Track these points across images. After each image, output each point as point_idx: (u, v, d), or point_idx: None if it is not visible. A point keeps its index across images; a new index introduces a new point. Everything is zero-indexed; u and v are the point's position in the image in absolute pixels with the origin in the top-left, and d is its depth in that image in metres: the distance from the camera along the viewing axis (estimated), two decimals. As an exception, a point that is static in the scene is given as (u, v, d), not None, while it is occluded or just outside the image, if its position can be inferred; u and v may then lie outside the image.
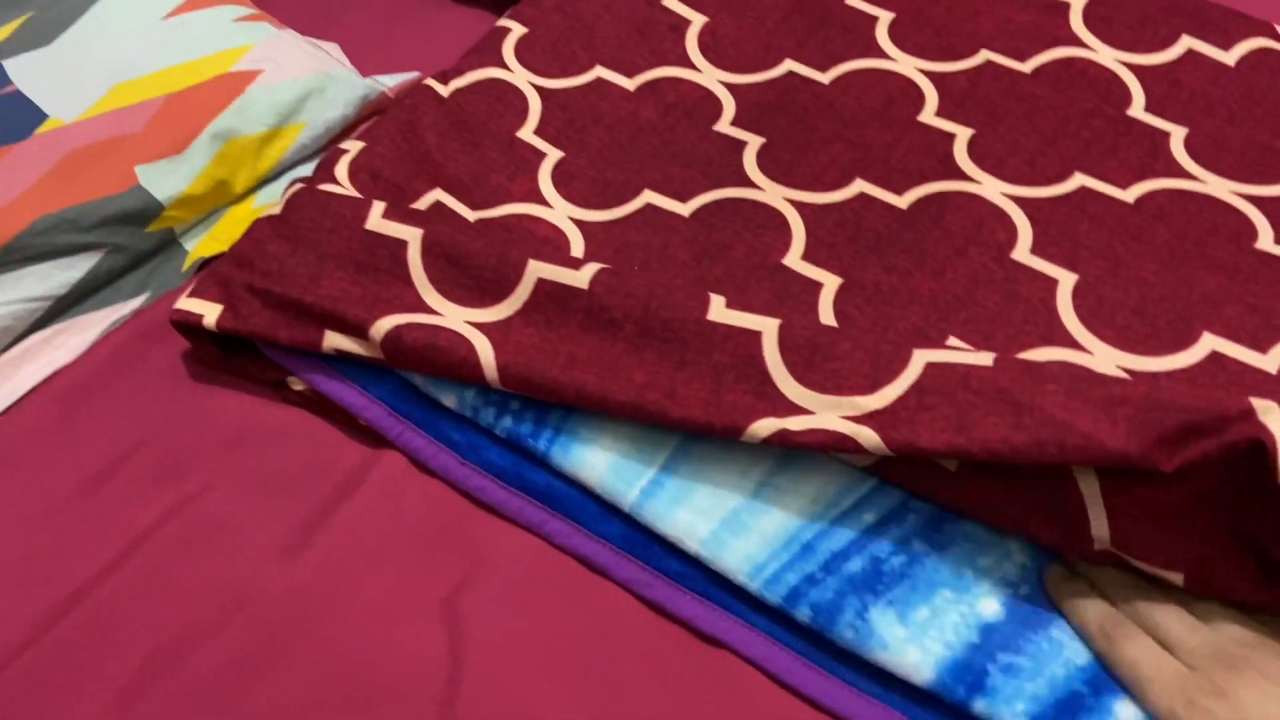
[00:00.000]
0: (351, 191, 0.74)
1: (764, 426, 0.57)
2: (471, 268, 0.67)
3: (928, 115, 0.81)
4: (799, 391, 0.58)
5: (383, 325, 0.65)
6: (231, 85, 0.84)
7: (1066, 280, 0.68)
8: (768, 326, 0.60)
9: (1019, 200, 0.74)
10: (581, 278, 0.64)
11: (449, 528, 0.65)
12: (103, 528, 0.64)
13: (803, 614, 0.56)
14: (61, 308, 0.75)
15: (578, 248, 0.74)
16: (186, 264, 0.80)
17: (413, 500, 0.66)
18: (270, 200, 0.84)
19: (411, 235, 0.68)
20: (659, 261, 0.72)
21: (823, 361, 0.58)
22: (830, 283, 0.70)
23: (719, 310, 0.61)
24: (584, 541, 0.63)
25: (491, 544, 0.64)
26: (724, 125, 0.82)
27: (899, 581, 0.56)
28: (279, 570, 0.62)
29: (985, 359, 0.56)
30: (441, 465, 0.66)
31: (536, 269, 0.65)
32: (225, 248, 0.80)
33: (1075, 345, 0.64)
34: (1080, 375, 0.54)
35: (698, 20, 0.90)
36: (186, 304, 0.70)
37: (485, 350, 0.63)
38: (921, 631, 0.54)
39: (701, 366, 0.60)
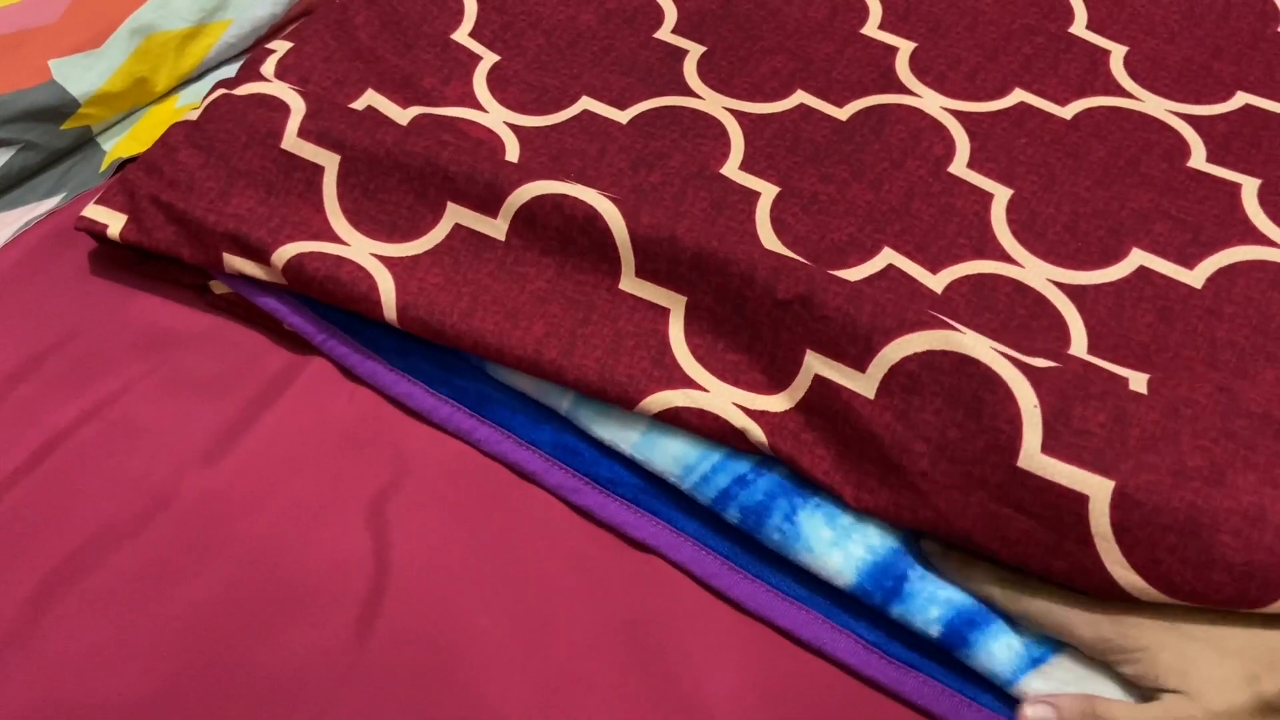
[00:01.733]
0: (280, 88, 0.71)
1: (656, 401, 0.58)
2: (388, 203, 0.65)
3: (870, 28, 0.80)
4: (697, 369, 0.59)
5: (285, 252, 0.63)
6: (152, -24, 0.80)
7: (1001, 194, 0.68)
8: (677, 305, 0.60)
9: (958, 114, 0.73)
10: (499, 227, 0.63)
11: (375, 434, 0.64)
12: (16, 430, 0.62)
13: (732, 515, 0.57)
14: (-30, 205, 0.72)
15: (513, 152, 0.72)
16: (104, 164, 0.77)
17: (338, 406, 0.65)
18: (193, 100, 0.81)
19: (329, 161, 0.66)
20: (595, 169, 0.71)
21: (723, 352, 0.59)
22: (767, 192, 0.69)
23: (630, 279, 0.61)
24: (513, 448, 0.62)
25: (419, 450, 0.63)
26: (664, 33, 0.80)
27: None
28: (199, 473, 0.61)
29: (867, 387, 0.55)
30: (369, 371, 0.65)
31: (455, 213, 0.64)
32: (144, 148, 0.77)
33: (1007, 258, 0.65)
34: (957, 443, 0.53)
35: (641, -75, 0.87)
36: (92, 212, 0.68)
37: (387, 289, 0.62)
38: (846, 535, 0.55)
39: (603, 327, 0.60)
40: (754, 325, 0.58)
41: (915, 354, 0.54)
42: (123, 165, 0.77)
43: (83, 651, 0.55)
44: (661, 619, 0.57)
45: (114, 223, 0.67)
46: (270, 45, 0.78)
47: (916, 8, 0.81)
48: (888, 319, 0.55)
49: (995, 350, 0.53)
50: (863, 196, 0.68)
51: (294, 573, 0.57)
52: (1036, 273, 0.64)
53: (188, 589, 0.57)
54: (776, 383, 0.58)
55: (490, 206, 0.63)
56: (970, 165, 0.70)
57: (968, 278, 0.64)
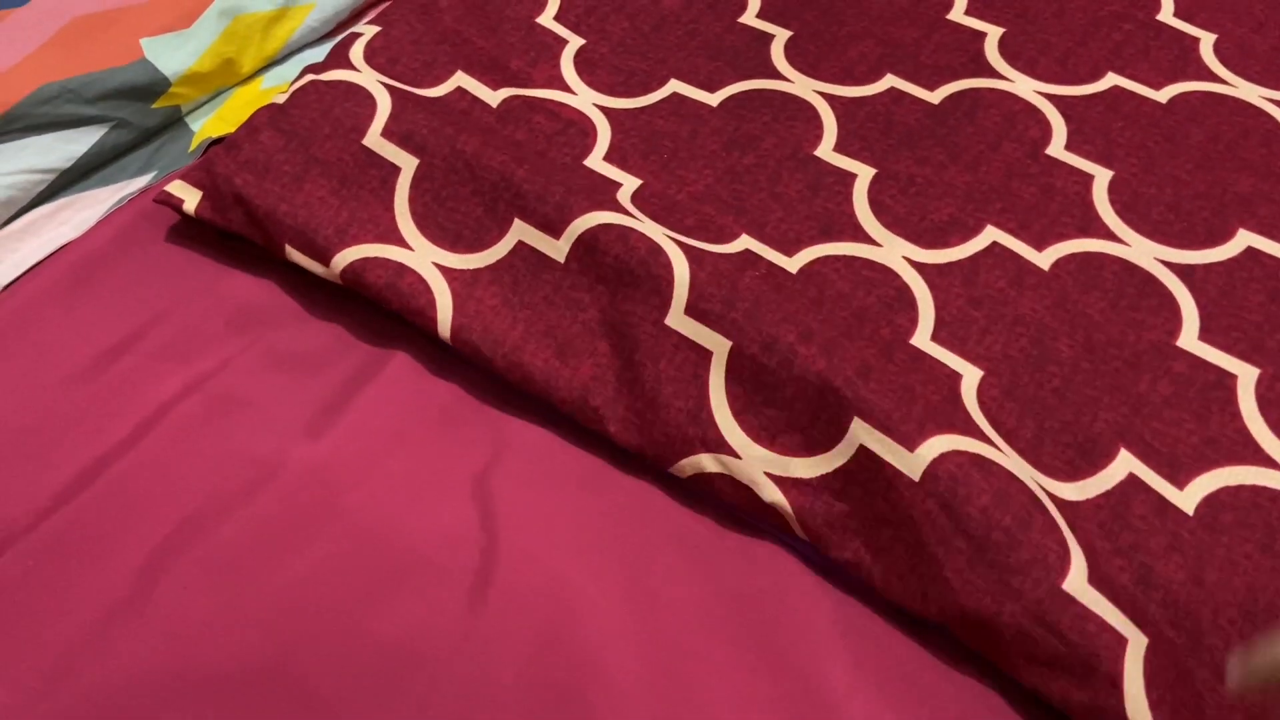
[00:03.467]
0: (368, 76, 0.72)
1: (688, 465, 0.57)
2: (458, 211, 0.65)
3: (957, 14, 0.80)
4: (734, 430, 0.56)
5: (346, 256, 0.63)
6: (238, -40, 0.80)
7: (1102, 176, 0.68)
8: (719, 348, 0.57)
9: (1052, 98, 0.73)
10: (561, 249, 0.62)
11: (474, 412, 0.63)
12: (119, 402, 0.62)
13: None
14: (65, 182, 0.73)
15: (604, 135, 0.72)
16: (193, 144, 0.77)
17: (434, 385, 0.64)
18: (280, 83, 0.82)
19: (407, 163, 0.67)
20: (688, 150, 0.71)
21: (763, 405, 0.56)
22: (864, 174, 0.69)
23: (677, 316, 0.58)
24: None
25: (517, 430, 0.63)
26: (749, 18, 0.80)
27: None
28: (303, 447, 0.61)
29: (914, 468, 0.52)
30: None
31: (519, 230, 0.63)
32: (231, 129, 0.78)
33: (1112, 237, 0.64)
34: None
35: (721, -87, 0.87)
36: (173, 187, 0.69)
37: (444, 305, 0.62)
38: None
39: (645, 369, 0.58)
40: (800, 381, 0.56)
41: (967, 452, 0.52)
42: (210, 145, 0.77)
43: (194, 621, 0.54)
44: (771, 594, 0.57)
45: (190, 199, 0.68)
46: (358, 29, 0.78)
47: (1003, -5, 0.81)
48: (939, 416, 0.54)
49: (1038, 484, 0.53)
50: (960, 178, 0.68)
51: (402, 545, 0.57)
52: (1143, 251, 0.63)
53: (297, 560, 0.57)
54: (814, 444, 0.55)
55: (556, 227, 0.63)
56: (1068, 148, 0.69)
57: (1074, 255, 0.63)
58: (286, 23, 0.82)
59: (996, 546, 0.49)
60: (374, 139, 0.68)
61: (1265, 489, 0.53)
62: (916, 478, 0.51)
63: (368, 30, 0.77)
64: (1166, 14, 0.79)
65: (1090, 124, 0.71)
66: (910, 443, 0.52)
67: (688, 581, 0.57)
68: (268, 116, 0.70)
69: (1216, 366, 0.58)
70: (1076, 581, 0.48)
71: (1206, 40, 0.77)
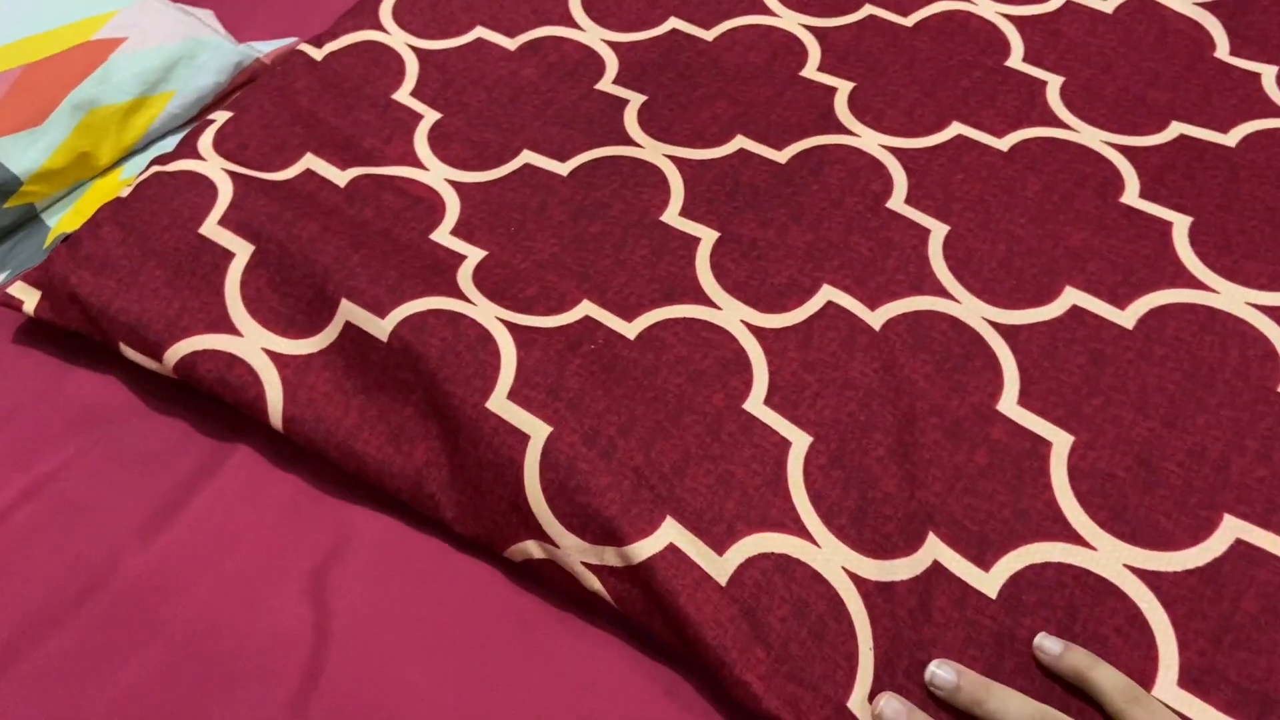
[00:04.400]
0: (214, 165, 0.72)
1: (518, 551, 0.57)
2: (290, 296, 0.65)
3: (810, 70, 0.80)
4: (548, 518, 0.55)
5: (177, 350, 0.63)
6: (93, 53, 0.80)
7: (939, 230, 0.68)
8: (537, 433, 0.57)
9: (895, 151, 0.73)
10: (384, 327, 0.62)
11: (315, 500, 0.63)
12: (-47, 513, 0.62)
13: None
14: (-89, 287, 0.72)
15: (453, 209, 0.72)
16: (48, 240, 0.77)
17: (277, 477, 0.64)
18: (137, 171, 0.81)
19: (242, 249, 0.67)
20: (535, 222, 0.71)
21: (575, 493, 0.55)
22: (708, 238, 0.69)
23: (499, 400, 0.58)
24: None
25: (361, 516, 0.62)
26: (605, 84, 0.81)
27: None
28: (138, 549, 0.60)
29: (722, 571, 0.52)
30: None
31: (347, 311, 0.63)
32: (88, 222, 0.78)
33: (944, 294, 0.64)
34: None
35: (581, -21, 0.88)
36: (14, 288, 0.69)
37: (275, 396, 0.61)
38: None
39: (471, 456, 0.57)
40: (617, 474, 0.55)
41: (774, 554, 0.53)
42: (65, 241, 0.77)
43: (16, 740, 0.53)
44: (605, 678, 0.56)
45: (30, 299, 0.68)
46: (211, 115, 0.78)
47: (855, 48, 0.81)
48: (752, 512, 0.54)
49: (846, 571, 0.53)
50: (802, 238, 0.68)
51: (232, 649, 0.56)
52: (972, 310, 0.63)
53: (124, 671, 0.56)
54: (626, 535, 0.53)
55: (384, 307, 0.62)
56: (908, 201, 0.70)
57: (905, 315, 0.63)
58: (145, 112, 0.82)
59: (793, 659, 0.50)
60: (210, 227, 0.68)
61: (1069, 566, 0.53)
62: (723, 583, 0.51)
63: (220, 116, 0.78)
64: (1016, 59, 0.79)
65: (931, 176, 0.71)
66: (720, 546, 0.52)
67: (526, 671, 0.56)
68: (110, 211, 0.70)
69: (1032, 433, 0.58)
70: (858, 700, 0.49)
71: (1054, 84, 0.77)
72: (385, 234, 0.69)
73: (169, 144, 0.84)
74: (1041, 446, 0.57)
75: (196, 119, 0.86)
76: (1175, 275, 0.65)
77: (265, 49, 0.90)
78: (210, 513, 0.62)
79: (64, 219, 0.78)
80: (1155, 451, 0.57)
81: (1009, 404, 0.59)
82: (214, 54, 0.85)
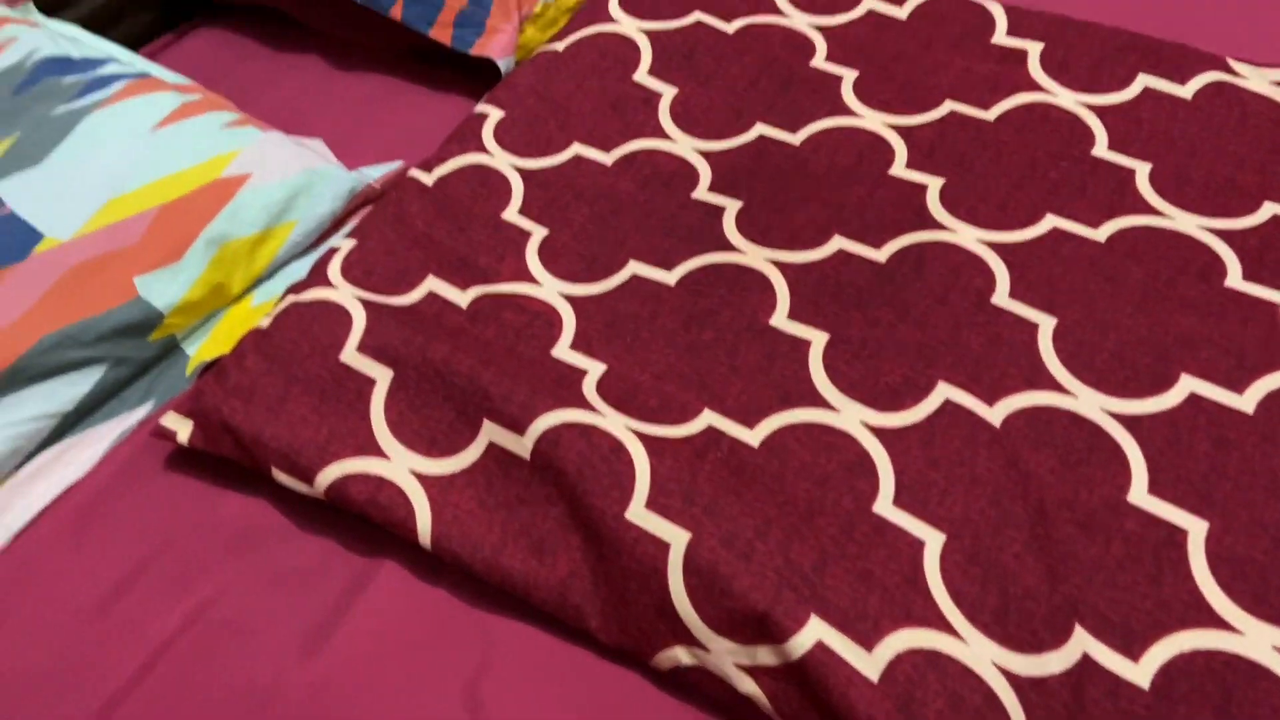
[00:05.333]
0: (345, 292, 0.77)
1: (666, 658, 0.59)
2: (431, 418, 0.69)
3: (898, 169, 0.83)
4: (696, 623, 0.57)
5: (328, 474, 0.67)
6: (222, 191, 0.86)
7: (1046, 324, 0.70)
8: (677, 540, 0.59)
9: (994, 245, 0.76)
10: (525, 444, 0.65)
11: (463, 613, 0.66)
12: (125, 639, 0.65)
13: None
14: (69, 423, 0.77)
15: (569, 323, 0.76)
16: (189, 368, 0.82)
17: (424, 589, 0.67)
18: (269, 299, 0.87)
19: (382, 375, 0.71)
20: (649, 331, 0.74)
21: (721, 596, 0.57)
22: (817, 340, 0.71)
23: (638, 509, 0.61)
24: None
25: (507, 626, 0.65)
26: (701, 192, 0.85)
27: None
28: (299, 668, 0.63)
29: (873, 668, 0.53)
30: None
31: (489, 431, 0.67)
32: (226, 349, 0.82)
33: (1059, 388, 0.66)
34: None
35: (668, 92, 0.93)
36: (167, 420, 0.73)
37: (423, 516, 0.65)
38: None
39: (613, 565, 0.60)
40: (758, 575, 0.57)
41: (923, 649, 0.54)
42: (205, 369, 0.82)
43: None
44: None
45: (183, 430, 0.72)
46: (335, 243, 0.83)
47: (940, 145, 0.84)
48: (895, 609, 0.56)
49: (996, 667, 0.54)
50: (910, 336, 0.71)
51: (398, 762, 0.59)
52: (1090, 402, 0.65)
53: (296, 787, 0.58)
54: (774, 635, 0.55)
55: (521, 425, 0.66)
56: (1012, 295, 0.72)
57: (1023, 410, 0.65)
58: (271, 242, 0.87)
59: None
60: (350, 355, 0.72)
61: (1219, 653, 0.53)
62: (875, 678, 0.53)
63: (345, 245, 0.82)
64: (1101, 148, 0.82)
65: (1032, 269, 0.73)
66: (868, 642, 0.54)
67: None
68: (253, 342, 0.75)
69: (1167, 522, 0.59)
70: None
71: (1142, 171, 0.80)
72: (510, 351, 0.73)
73: (293, 269, 0.89)
74: (1177, 535, 0.58)
75: (316, 244, 0.91)
76: (1288, 356, 0.66)
77: (375, 174, 0.95)
78: (364, 629, 0.65)
79: (203, 347, 0.83)
80: (1289, 534, 0.58)
81: (1140, 494, 0.60)
82: (330, 183, 0.90)
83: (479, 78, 1.07)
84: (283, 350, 0.73)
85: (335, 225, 0.92)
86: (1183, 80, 0.85)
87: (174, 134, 0.89)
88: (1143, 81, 0.86)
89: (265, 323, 0.76)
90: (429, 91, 1.08)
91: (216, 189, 0.86)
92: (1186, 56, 0.87)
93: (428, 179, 0.88)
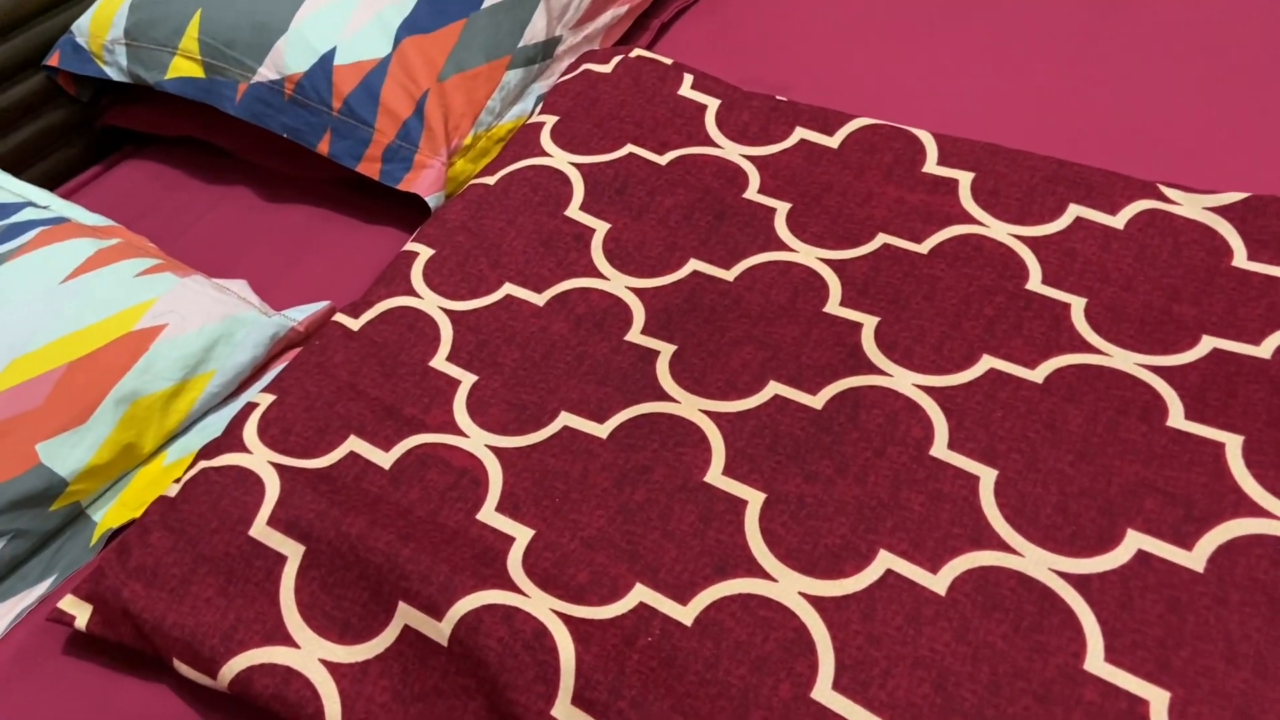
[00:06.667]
0: (259, 457, 0.73)
1: None
2: (344, 599, 0.65)
3: (832, 306, 0.82)
4: None
5: (233, 667, 0.63)
6: (135, 344, 0.82)
7: (987, 476, 0.68)
8: None
9: (930, 391, 0.74)
10: (442, 630, 0.61)
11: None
12: None
13: None
14: (-39, 605, 0.72)
15: (496, 481, 0.72)
16: (94, 538, 0.77)
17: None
18: (183, 455, 0.82)
19: (293, 551, 0.67)
20: (579, 491, 0.71)
21: None
22: (754, 499, 0.69)
23: (564, 707, 0.57)
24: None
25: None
26: (634, 335, 0.82)
27: None
28: None
29: None
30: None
31: (405, 614, 0.63)
32: (136, 513, 0.78)
33: (1005, 547, 0.64)
34: None
35: (601, 228, 0.91)
36: (65, 604, 0.69)
37: (333, 711, 0.61)
38: None
39: None
40: None
41: None
42: (113, 535, 0.77)
43: None
44: None
45: (81, 615, 0.68)
46: (254, 399, 0.80)
47: (874, 280, 0.83)
48: None
49: None
50: (849, 492, 0.68)
51: None
52: (1037, 561, 0.62)
53: None
54: None
55: (439, 609, 0.62)
56: (951, 446, 0.70)
57: (970, 572, 0.62)
58: (186, 396, 0.83)
59: None
60: (260, 529, 0.68)
61: None
62: None
63: (263, 400, 0.79)
64: (1035, 282, 0.81)
65: (970, 416, 0.71)
66: None
67: None
68: (159, 513, 0.71)
69: (1127, 692, 0.56)
70: None
71: (1077, 305, 0.78)
72: (432, 519, 0.70)
73: (210, 422, 0.85)
74: (1139, 706, 0.55)
75: (236, 392, 0.88)
76: (1237, 504, 0.64)
77: (300, 316, 0.92)
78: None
79: (109, 513, 0.79)
80: (1254, 705, 0.55)
81: (1096, 662, 0.57)
82: (251, 330, 0.87)
83: (411, 205, 1.05)
84: (190, 524, 0.69)
85: (257, 371, 0.89)
86: (1114, 210, 0.85)
87: (84, 285, 0.86)
88: (1074, 212, 0.85)
89: (173, 490, 0.72)
90: (359, 223, 1.06)
91: (128, 343, 0.83)
92: (1117, 184, 0.86)
93: (354, 324, 0.85)
